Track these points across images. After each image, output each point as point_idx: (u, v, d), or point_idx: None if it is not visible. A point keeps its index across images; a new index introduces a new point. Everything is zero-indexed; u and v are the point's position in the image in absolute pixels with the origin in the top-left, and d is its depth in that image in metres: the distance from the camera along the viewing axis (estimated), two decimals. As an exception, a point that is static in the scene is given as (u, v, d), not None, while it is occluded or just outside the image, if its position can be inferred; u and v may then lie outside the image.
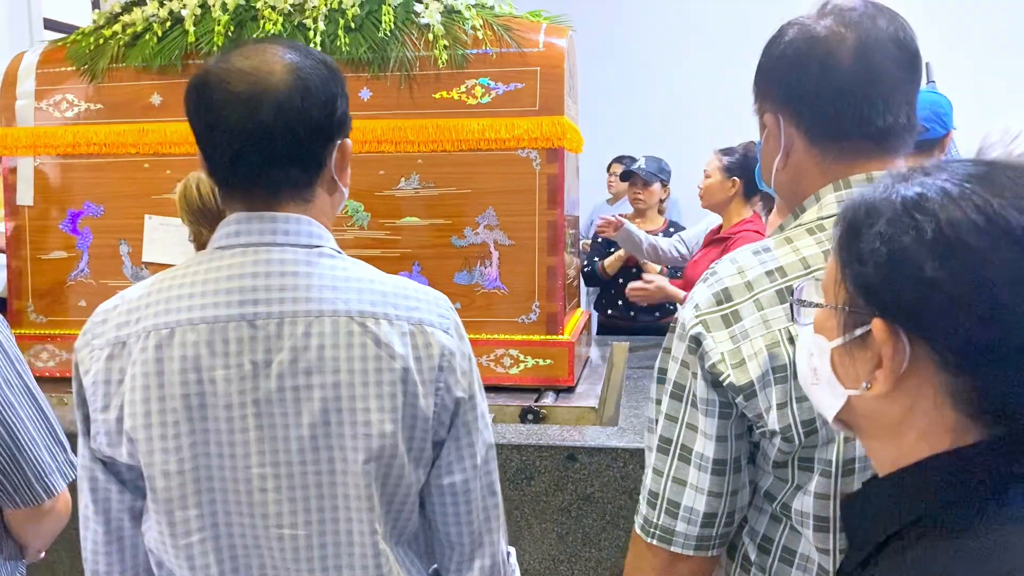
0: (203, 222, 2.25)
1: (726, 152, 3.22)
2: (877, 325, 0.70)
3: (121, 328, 1.07)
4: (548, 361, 2.78)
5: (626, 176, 4.04)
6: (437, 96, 2.80)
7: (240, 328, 1.04)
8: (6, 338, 1.36)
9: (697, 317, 1.05)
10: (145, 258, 2.96)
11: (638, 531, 1.11)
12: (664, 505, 1.07)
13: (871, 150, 1.09)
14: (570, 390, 2.82)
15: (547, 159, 2.77)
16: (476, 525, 1.16)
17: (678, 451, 1.06)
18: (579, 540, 2.42)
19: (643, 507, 1.11)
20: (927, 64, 2.25)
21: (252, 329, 1.04)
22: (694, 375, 1.05)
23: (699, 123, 4.71)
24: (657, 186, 3.96)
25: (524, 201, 2.80)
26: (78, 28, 5.73)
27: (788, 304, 1.01)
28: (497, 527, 1.19)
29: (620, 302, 3.88)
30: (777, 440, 1.01)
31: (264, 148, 1.05)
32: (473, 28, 2.80)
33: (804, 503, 1.03)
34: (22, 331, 3.04)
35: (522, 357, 2.78)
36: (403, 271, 2.82)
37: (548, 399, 2.73)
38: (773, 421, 1.01)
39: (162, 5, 2.94)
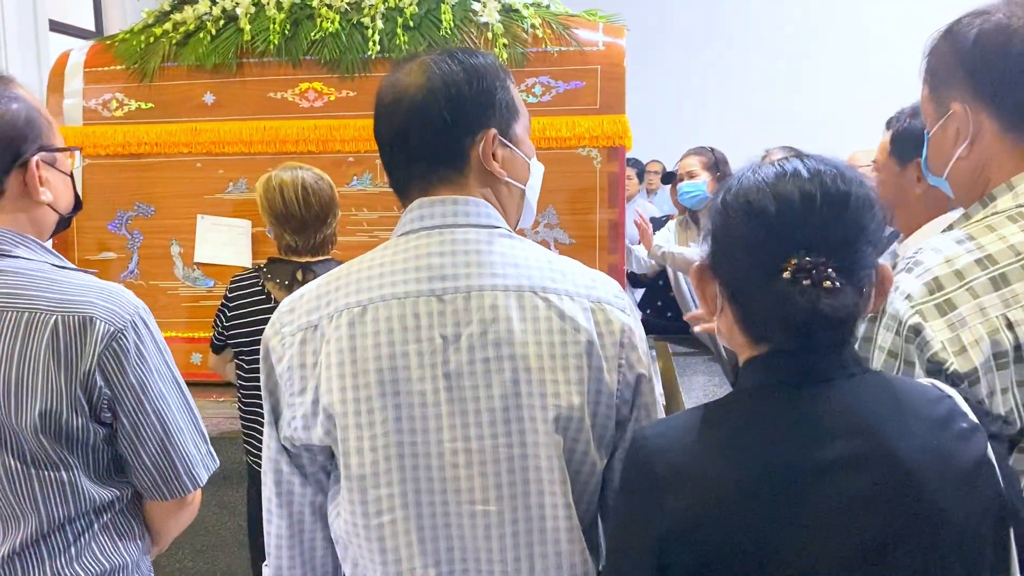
0: (285, 226, 2.24)
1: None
2: None
3: (311, 313, 1.09)
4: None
5: (667, 178, 4.05)
6: (496, 95, 2.79)
7: (429, 303, 1.06)
8: (155, 328, 1.34)
9: (912, 308, 1.06)
10: (198, 258, 2.92)
11: None
12: None
13: None
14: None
15: (608, 157, 2.78)
16: None
17: None
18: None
19: None
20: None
21: (441, 304, 1.06)
22: (908, 363, 1.06)
23: (730, 123, 4.73)
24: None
25: (585, 199, 2.80)
26: (82, 30, 5.74)
27: (1003, 291, 1.04)
28: None
29: (659, 303, 3.88)
30: (997, 425, 1.01)
31: (406, 148, 1.13)
32: (532, 27, 2.80)
33: None
34: (69, 334, 2.99)
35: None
36: (461, 270, 2.81)
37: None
38: (997, 405, 1.03)
39: (214, 3, 2.91)
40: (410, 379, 1.04)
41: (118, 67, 2.95)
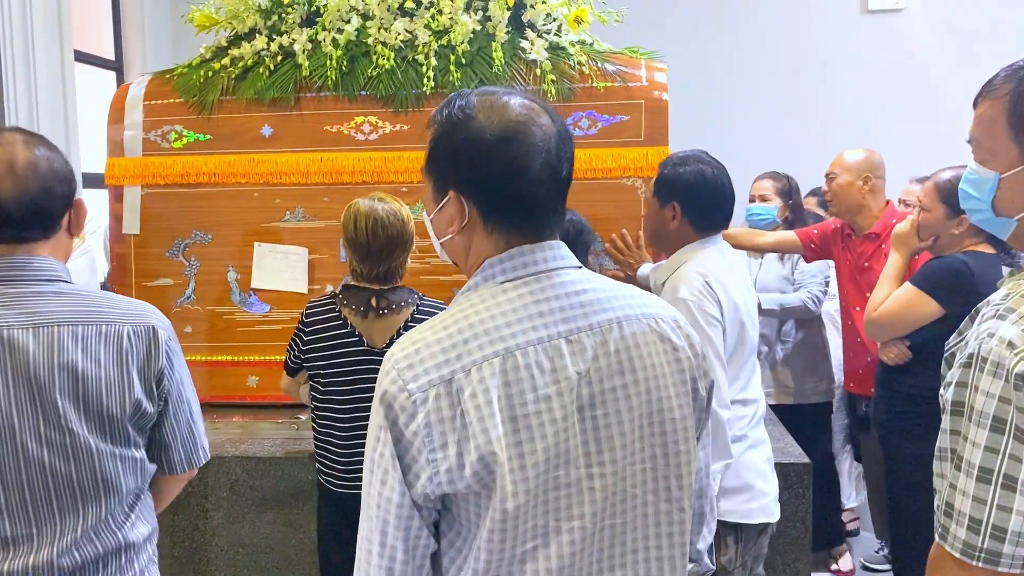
0: (354, 252, 2.35)
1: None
2: None
3: (442, 368, 1.10)
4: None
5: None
6: (545, 128, 2.92)
7: (559, 346, 1.13)
8: (177, 341, 1.62)
9: (1017, 355, 1.14)
10: (254, 284, 3.03)
11: (958, 555, 1.20)
12: (989, 531, 1.17)
13: None
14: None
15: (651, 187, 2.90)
16: (708, 496, 1.35)
17: (1001, 480, 1.15)
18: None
19: (961, 532, 1.19)
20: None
21: (569, 344, 1.13)
22: (1019, 410, 1.13)
23: (762, 152, 4.89)
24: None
25: (628, 227, 2.93)
26: (105, 60, 5.85)
27: None
28: (714, 496, 1.42)
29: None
30: None
31: (560, 191, 1.19)
32: (578, 63, 2.94)
33: None
34: (126, 358, 3.07)
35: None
36: (510, 296, 2.93)
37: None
38: None
39: (272, 40, 3.03)
40: (555, 419, 1.11)
41: (177, 100, 3.06)
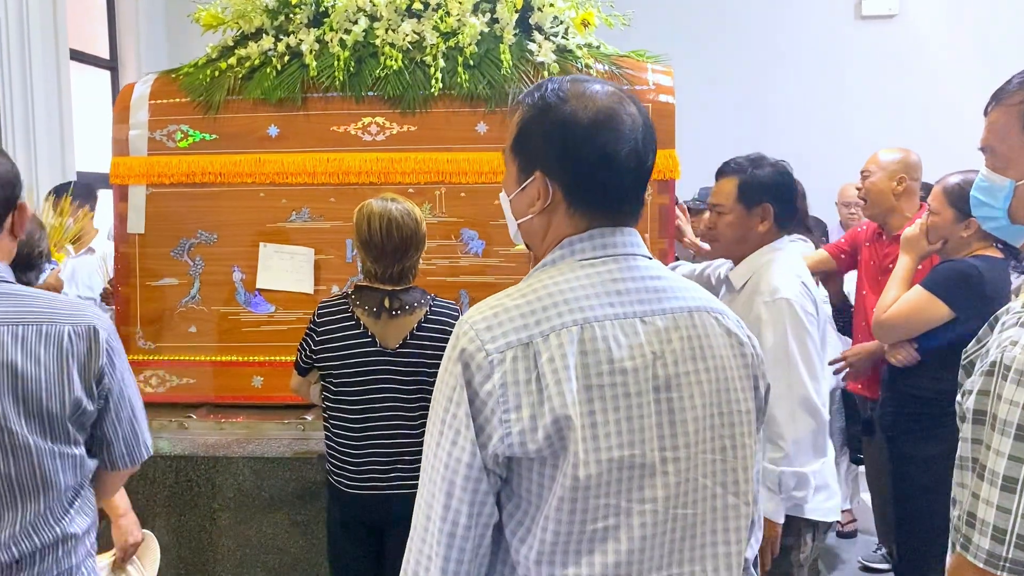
0: (367, 252, 2.36)
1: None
2: None
3: (520, 331, 1.12)
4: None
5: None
6: (552, 130, 2.93)
7: (635, 324, 1.15)
8: (118, 339, 1.67)
9: None
10: (260, 284, 3.02)
11: (982, 565, 1.20)
12: (1014, 541, 1.16)
13: None
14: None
15: (659, 190, 2.93)
16: (759, 503, 1.32)
17: None
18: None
19: (985, 542, 1.19)
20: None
21: (644, 325, 1.15)
22: None
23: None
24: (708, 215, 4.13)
25: (637, 229, 2.94)
26: (99, 58, 5.82)
27: None
28: (761, 503, 1.37)
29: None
30: None
31: (643, 179, 1.22)
32: (586, 66, 2.95)
33: None
34: (130, 357, 3.04)
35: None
36: (516, 297, 2.93)
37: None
38: None
39: (279, 40, 3.03)
40: (628, 393, 1.12)
41: (183, 99, 3.05)
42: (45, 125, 4.77)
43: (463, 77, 2.90)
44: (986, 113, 1.36)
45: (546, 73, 2.93)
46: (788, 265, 2.27)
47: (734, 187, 2.33)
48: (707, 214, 4.09)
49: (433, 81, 2.91)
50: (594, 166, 1.16)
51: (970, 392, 1.25)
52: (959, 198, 2.49)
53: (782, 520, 2.19)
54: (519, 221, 1.24)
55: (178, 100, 3.06)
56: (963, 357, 1.37)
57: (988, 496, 1.18)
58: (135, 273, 3.07)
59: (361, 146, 2.98)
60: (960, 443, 1.26)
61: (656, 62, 3.06)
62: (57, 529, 1.55)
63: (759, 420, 1.27)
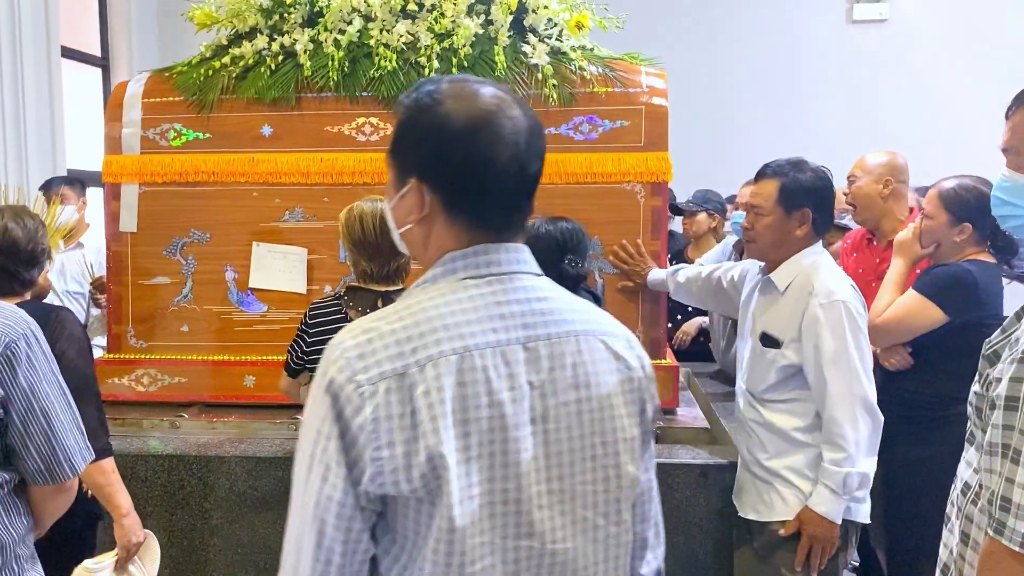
0: (362, 253, 2.36)
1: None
2: None
3: (394, 360, 1.04)
4: (653, 384, 2.92)
5: (673, 211, 4.23)
6: (545, 132, 2.93)
7: (516, 351, 1.09)
8: (43, 340, 1.62)
9: None
10: (252, 284, 3.01)
11: (1017, 548, 1.20)
12: None
13: None
14: (672, 412, 2.96)
15: (651, 192, 2.94)
16: (656, 520, 1.27)
17: None
18: (709, 554, 2.55)
19: (1021, 525, 1.20)
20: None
21: (526, 352, 1.09)
22: None
23: (755, 159, 4.97)
24: (703, 216, 4.15)
25: (629, 232, 2.96)
26: (91, 56, 5.80)
27: None
28: (661, 521, 1.30)
29: (669, 324, 4.04)
30: None
31: (527, 188, 1.13)
32: (580, 68, 2.96)
33: None
34: (121, 355, 3.06)
35: (627, 380, 2.91)
36: (509, 298, 2.94)
37: (659, 421, 2.87)
38: None
39: (273, 40, 3.02)
40: (506, 427, 1.06)
41: (176, 98, 3.05)
42: (36, 122, 4.75)
43: (457, 78, 2.90)
44: (1008, 115, 1.36)
45: (540, 75, 2.94)
46: (835, 268, 2.31)
47: (775, 190, 2.31)
48: (700, 215, 4.16)
49: (427, 82, 2.90)
50: (469, 172, 1.08)
51: (998, 380, 1.25)
52: (954, 202, 2.51)
53: (840, 521, 2.21)
54: (400, 231, 1.15)
55: (171, 99, 3.06)
56: (985, 347, 1.37)
57: (1023, 479, 1.19)
58: (127, 272, 3.06)
59: (355, 146, 2.98)
60: (991, 430, 1.26)
61: (650, 65, 3.07)
62: None
63: (645, 444, 1.21)
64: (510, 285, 1.11)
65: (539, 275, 1.15)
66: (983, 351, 1.36)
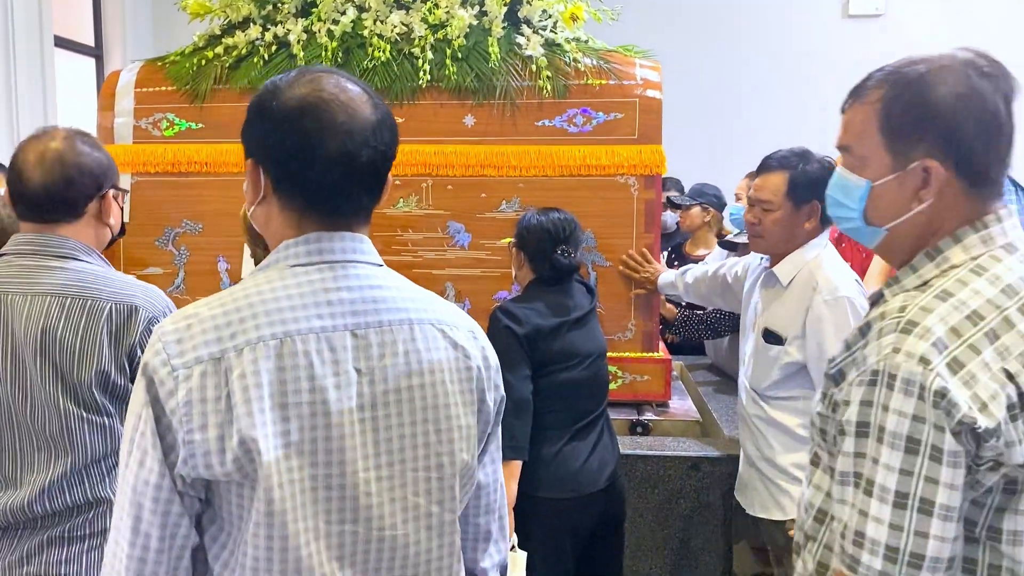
0: (260, 243, 2.36)
1: None
2: None
3: (211, 345, 1.05)
4: (645, 377, 2.93)
5: (668, 204, 4.23)
6: (539, 124, 2.94)
7: (344, 338, 1.09)
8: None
9: (932, 370, 1.08)
10: (245, 274, 3.00)
11: None
12: (907, 558, 1.09)
13: (998, 194, 1.23)
14: (664, 405, 2.96)
15: (644, 185, 2.93)
16: (498, 514, 1.28)
17: (917, 504, 1.09)
18: (699, 546, 2.55)
19: (876, 562, 1.11)
20: None
21: (354, 339, 1.09)
22: (937, 428, 1.07)
23: (750, 152, 4.98)
24: (696, 210, 4.15)
25: (622, 224, 2.95)
26: (84, 45, 5.78)
27: (996, 344, 1.10)
28: (506, 515, 1.33)
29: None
30: (1012, 470, 1.11)
31: (363, 176, 1.13)
32: (574, 60, 2.95)
33: (1017, 522, 1.14)
34: (113, 347, 3.05)
35: (620, 373, 2.92)
36: (502, 291, 2.94)
37: (650, 413, 2.87)
38: (1017, 456, 1.09)
39: (266, 30, 3.01)
40: (328, 412, 1.06)
41: (169, 88, 3.04)
42: (29, 112, 4.73)
43: (451, 69, 2.90)
44: (843, 111, 1.30)
45: (534, 67, 2.94)
46: (838, 261, 2.27)
47: (783, 183, 2.27)
48: (694, 209, 4.16)
49: (421, 73, 2.90)
50: (294, 157, 1.09)
51: (845, 402, 1.17)
52: None
53: None
54: (249, 211, 1.16)
55: (164, 88, 3.05)
56: (829, 365, 1.27)
57: (878, 513, 1.11)
58: (120, 262, 3.05)
59: (348, 137, 2.97)
60: (841, 458, 1.16)
61: (644, 57, 3.06)
62: (91, 493, 1.66)
63: (492, 434, 1.23)
64: (341, 272, 1.11)
65: (378, 265, 1.16)
66: (826, 369, 1.27)
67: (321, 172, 1.09)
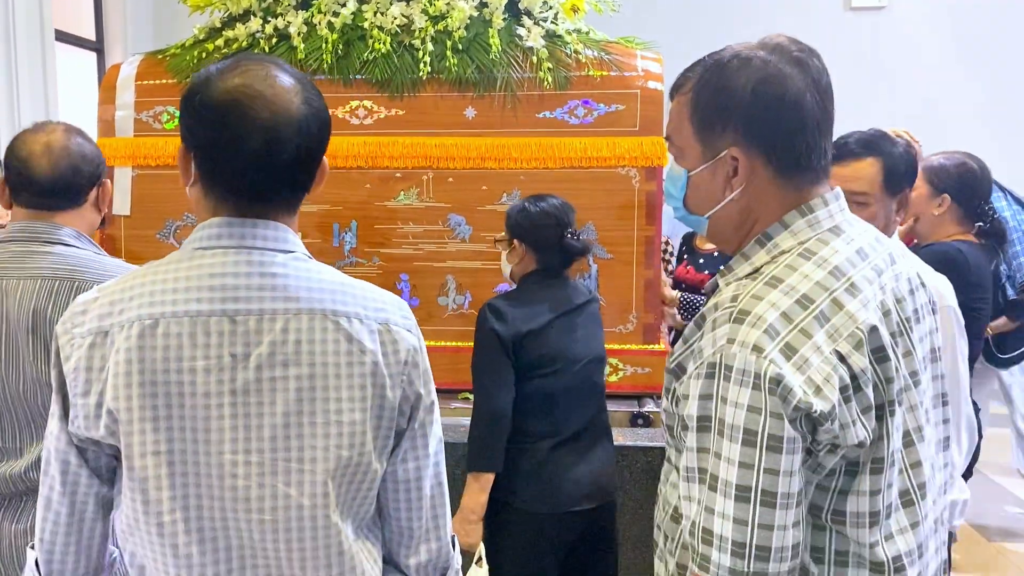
0: None
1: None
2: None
3: (103, 319, 1.13)
4: (647, 369, 2.93)
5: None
6: (540, 116, 2.93)
7: (221, 323, 1.11)
8: None
9: (766, 358, 1.08)
10: (246, 268, 3.00)
11: None
12: (754, 552, 1.08)
13: (822, 178, 1.23)
14: (665, 396, 2.96)
15: (646, 177, 2.93)
16: (425, 512, 1.26)
17: (759, 497, 1.08)
18: (701, 536, 2.55)
19: (725, 559, 1.09)
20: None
21: (232, 324, 1.11)
22: (774, 415, 1.06)
23: None
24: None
25: (623, 217, 2.95)
26: (85, 39, 5.77)
27: (827, 327, 1.10)
28: (444, 514, 1.29)
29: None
30: (850, 451, 1.11)
31: (283, 172, 1.15)
32: (575, 52, 2.94)
33: (860, 503, 1.14)
34: (115, 340, 3.05)
35: (621, 365, 2.92)
36: (503, 283, 2.94)
37: (651, 405, 2.87)
38: (852, 437, 1.09)
39: (267, 22, 3.01)
40: (195, 393, 1.10)
41: (170, 81, 3.03)
42: (30, 106, 4.73)
43: (451, 61, 2.90)
44: (672, 98, 1.31)
45: (535, 58, 2.93)
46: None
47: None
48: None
49: (421, 65, 2.90)
50: (209, 145, 1.13)
51: (685, 397, 1.15)
52: (935, 172, 2.54)
53: None
54: (188, 190, 1.20)
55: (165, 81, 3.04)
56: (669, 360, 1.25)
57: (723, 509, 1.09)
58: (121, 255, 3.05)
59: (349, 130, 2.97)
60: (686, 453, 1.14)
61: (645, 49, 3.06)
62: None
63: (411, 433, 1.22)
64: (235, 258, 1.13)
65: (287, 252, 1.16)
66: (667, 364, 1.26)
67: (242, 168, 1.12)
